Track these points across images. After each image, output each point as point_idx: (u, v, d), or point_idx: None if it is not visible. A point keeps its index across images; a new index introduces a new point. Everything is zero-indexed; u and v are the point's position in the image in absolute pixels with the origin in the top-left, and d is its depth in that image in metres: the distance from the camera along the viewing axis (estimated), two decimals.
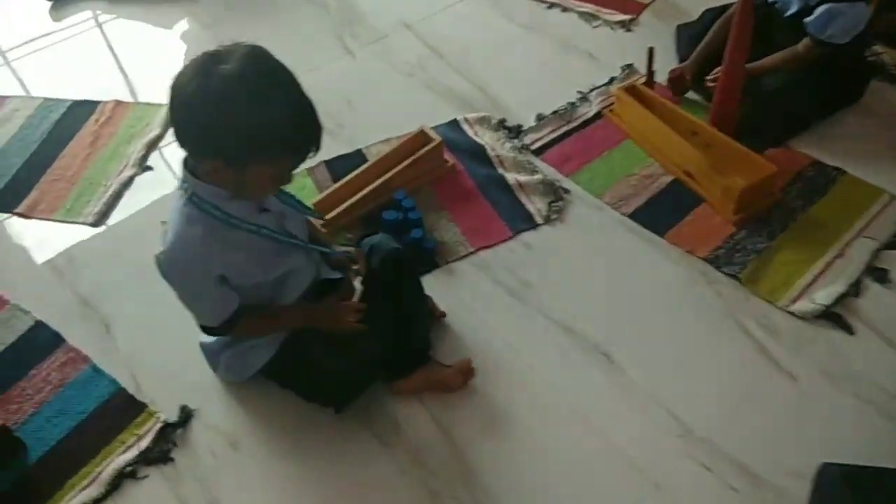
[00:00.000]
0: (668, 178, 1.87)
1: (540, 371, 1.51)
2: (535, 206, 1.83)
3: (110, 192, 1.98)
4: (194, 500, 1.37)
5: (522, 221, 1.80)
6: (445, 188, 1.90)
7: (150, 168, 2.07)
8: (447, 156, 1.95)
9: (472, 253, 1.74)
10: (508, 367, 1.52)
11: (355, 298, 1.48)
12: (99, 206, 1.95)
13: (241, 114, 1.06)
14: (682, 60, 2.11)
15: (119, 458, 1.43)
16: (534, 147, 1.99)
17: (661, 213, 1.79)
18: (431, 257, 1.73)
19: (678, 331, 1.57)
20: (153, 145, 2.13)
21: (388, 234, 1.53)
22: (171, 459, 1.42)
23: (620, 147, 1.97)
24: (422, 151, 1.87)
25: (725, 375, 1.49)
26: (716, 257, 1.68)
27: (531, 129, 2.04)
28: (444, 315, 1.59)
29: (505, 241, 1.77)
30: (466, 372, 1.47)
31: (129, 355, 1.61)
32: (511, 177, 1.90)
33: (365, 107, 2.19)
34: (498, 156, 1.96)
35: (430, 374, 1.46)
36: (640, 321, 1.59)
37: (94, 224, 1.91)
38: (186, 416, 1.49)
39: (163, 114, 2.21)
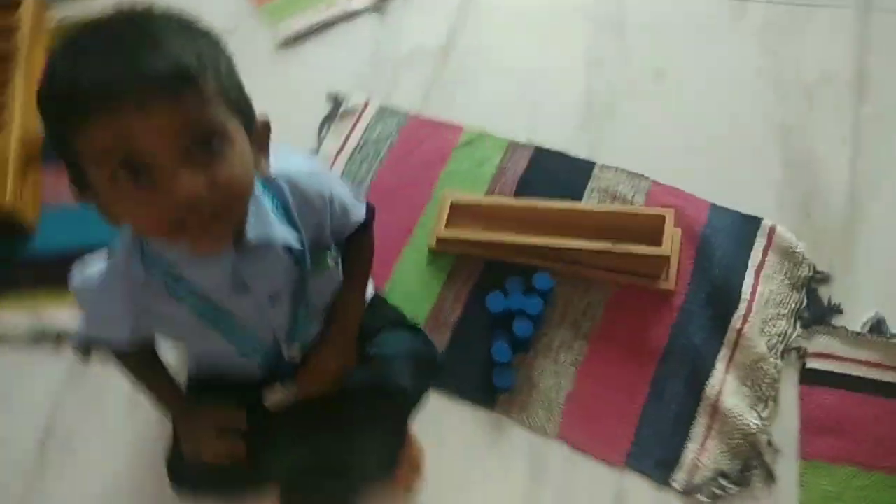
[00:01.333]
0: None
1: None
2: (699, 457, 1.03)
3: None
4: None
5: (656, 462, 1.04)
6: (624, 306, 1.16)
7: None
8: (681, 264, 1.17)
9: (547, 437, 1.08)
10: None
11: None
12: None
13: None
14: None
15: None
16: (812, 365, 1.09)
17: None
18: (493, 396, 1.11)
19: None
20: None
21: (421, 347, 0.97)
22: None
23: None
24: (634, 249, 1.11)
25: None
26: None
27: (842, 333, 1.11)
28: (408, 490, 1.04)
29: (607, 463, 1.05)
30: None
31: None
32: (719, 383, 1.07)
33: (663, 96, 1.39)
34: (743, 332, 1.11)
35: None
36: None
37: None
38: None
39: None
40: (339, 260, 0.87)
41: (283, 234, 0.77)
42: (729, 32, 1.47)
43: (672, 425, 1.06)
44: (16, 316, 1.28)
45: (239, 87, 0.68)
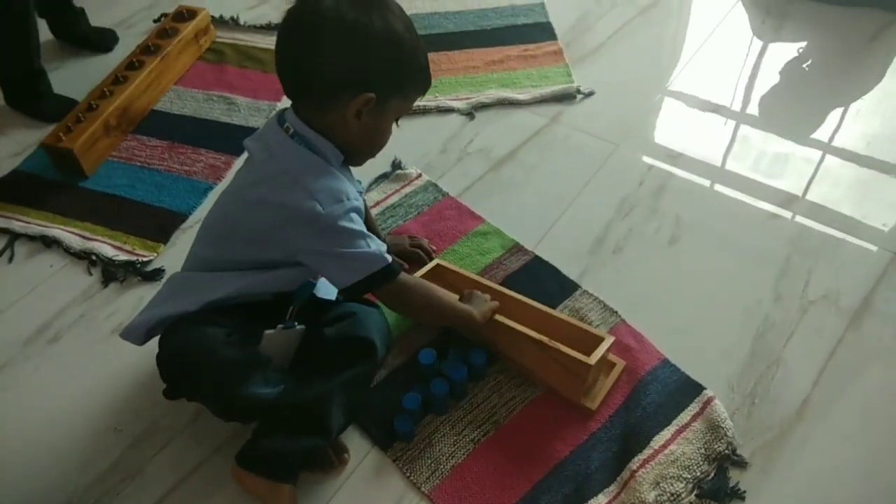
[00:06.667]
0: None
1: None
2: None
3: None
4: None
5: None
6: (543, 411, 1.23)
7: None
8: (611, 396, 1.22)
9: (420, 494, 1.14)
10: None
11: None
12: None
13: (401, 44, 1.01)
14: None
15: None
16: None
17: None
18: (390, 441, 1.19)
19: None
20: None
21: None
22: None
23: None
24: (564, 349, 1.18)
25: None
26: None
27: None
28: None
29: None
30: None
31: None
32: None
33: (673, 255, 1.48)
34: (636, 475, 1.12)
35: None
36: None
37: None
38: None
39: None
40: None
41: None
42: (763, 224, 1.56)
43: None
44: (68, 234, 1.56)
45: None
